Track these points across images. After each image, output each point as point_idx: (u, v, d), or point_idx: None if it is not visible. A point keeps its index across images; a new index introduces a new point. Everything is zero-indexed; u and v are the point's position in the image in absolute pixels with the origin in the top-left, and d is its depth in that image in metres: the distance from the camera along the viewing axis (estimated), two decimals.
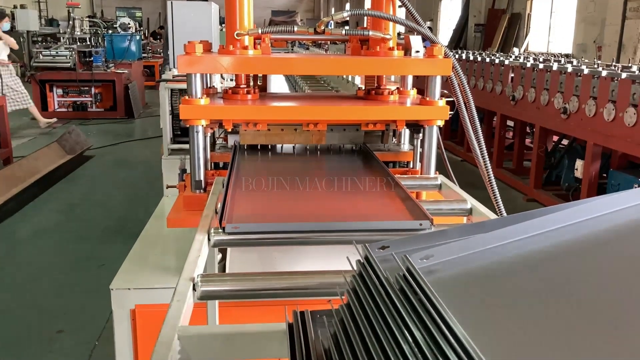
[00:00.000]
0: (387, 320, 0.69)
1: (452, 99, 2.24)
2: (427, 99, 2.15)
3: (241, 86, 2.26)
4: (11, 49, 9.55)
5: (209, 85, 2.46)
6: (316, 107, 2.18)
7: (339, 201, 1.77)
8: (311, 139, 2.35)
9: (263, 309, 2.03)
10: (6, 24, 9.50)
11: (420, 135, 2.26)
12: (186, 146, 3.36)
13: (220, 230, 1.40)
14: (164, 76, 3.89)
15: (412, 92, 2.47)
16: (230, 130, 2.17)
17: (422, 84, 2.30)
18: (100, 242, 5.09)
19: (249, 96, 2.23)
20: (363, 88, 2.57)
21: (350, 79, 3.90)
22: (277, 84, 4.79)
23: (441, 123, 2.17)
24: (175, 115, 3.59)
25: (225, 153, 2.44)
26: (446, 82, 2.32)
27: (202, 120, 2.03)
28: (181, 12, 3.60)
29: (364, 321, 0.73)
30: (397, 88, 2.49)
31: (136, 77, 12.72)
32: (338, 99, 2.43)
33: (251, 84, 2.47)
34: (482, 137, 2.26)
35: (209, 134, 2.31)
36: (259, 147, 2.46)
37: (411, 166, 2.47)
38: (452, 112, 2.26)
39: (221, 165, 2.50)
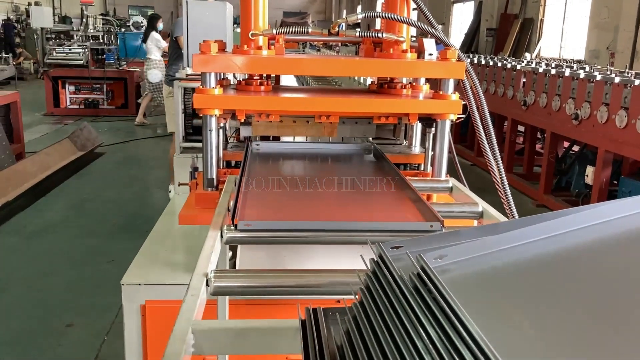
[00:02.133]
0: (402, 318, 0.70)
1: (464, 103, 2.24)
2: (441, 93, 2.16)
3: (254, 78, 2.28)
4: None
5: (222, 77, 2.49)
6: (328, 98, 2.20)
7: (349, 201, 1.78)
8: (323, 131, 2.37)
9: (272, 308, 2.04)
10: (160, 25, 9.55)
11: (433, 130, 2.27)
12: (198, 145, 3.39)
13: (232, 227, 1.42)
14: (177, 75, 3.92)
15: (425, 87, 2.49)
16: (242, 121, 2.19)
17: (435, 87, 2.31)
18: (110, 238, 5.13)
19: (262, 88, 2.25)
20: (375, 82, 2.59)
21: (362, 80, 3.93)
22: (289, 84, 4.83)
23: (454, 117, 2.18)
24: (187, 114, 3.62)
25: (237, 152, 2.46)
26: (458, 86, 2.32)
27: (215, 109, 2.05)
28: (196, 10, 3.63)
29: (378, 319, 0.74)
30: (410, 83, 2.51)
31: None
32: (350, 92, 2.45)
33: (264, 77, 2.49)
34: (494, 139, 2.26)
35: (221, 133, 2.33)
36: (270, 139, 2.48)
37: (422, 169, 2.49)
38: (463, 116, 2.27)
39: (233, 164, 2.52)
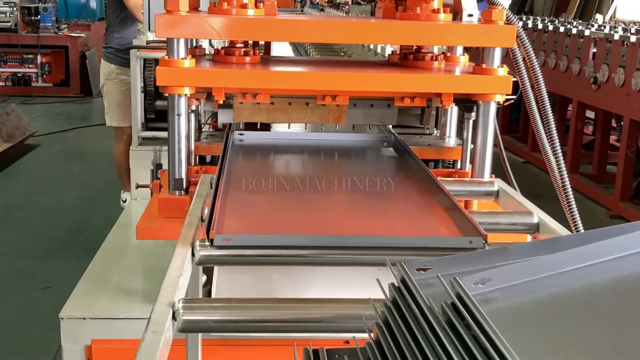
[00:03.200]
0: None
1: (514, 80, 2.25)
2: (484, 66, 2.17)
3: (237, 45, 2.28)
4: None
5: (195, 45, 2.50)
6: (335, 73, 2.20)
7: (362, 209, 1.78)
8: (327, 117, 2.38)
9: (260, 349, 2.05)
10: None
11: (473, 115, 2.27)
12: (162, 134, 3.40)
13: (207, 243, 1.43)
14: (135, 42, 3.94)
15: (463, 59, 2.49)
16: (221, 102, 2.20)
17: (475, 59, 2.31)
18: (46, 257, 5.14)
19: (247, 59, 2.25)
20: (397, 52, 2.60)
21: (379, 50, 3.93)
22: (282, 52, 4.84)
23: (501, 99, 2.19)
24: (148, 93, 3.63)
25: (215, 143, 2.47)
26: (506, 57, 2.33)
27: (185, 87, 2.05)
28: None
29: None
30: (443, 53, 2.51)
31: (96, 43, 12.82)
32: (364, 65, 2.46)
33: (250, 45, 2.50)
34: (554, 130, 2.26)
35: (193, 119, 2.34)
36: (258, 127, 2.50)
37: (458, 167, 2.49)
38: (514, 97, 2.27)
39: (208, 159, 2.53)
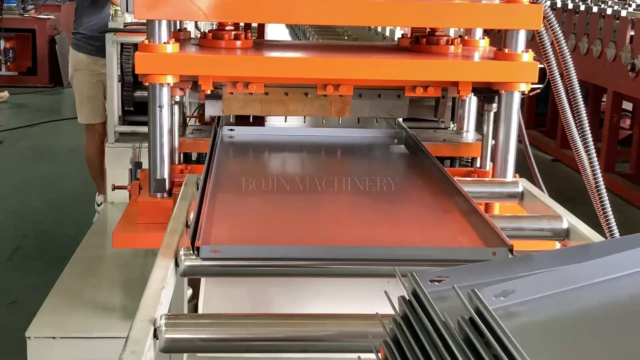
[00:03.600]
0: None
1: (541, 67, 2.25)
2: (506, 51, 2.17)
3: (227, 28, 2.29)
4: None
5: (179, 28, 2.50)
6: (338, 59, 2.20)
7: (369, 215, 1.78)
8: (329, 108, 2.38)
9: None
10: None
11: (494, 107, 2.28)
12: (142, 128, 3.40)
13: (193, 252, 1.43)
14: (111, 24, 3.94)
15: (483, 43, 2.49)
16: (209, 92, 2.21)
17: (497, 43, 2.31)
18: (10, 269, 5.14)
19: (238, 43, 2.25)
20: (408, 35, 2.60)
21: (388, 33, 3.93)
22: (277, 35, 4.83)
23: (526, 88, 2.19)
24: (126, 83, 3.64)
25: (201, 139, 2.48)
26: (532, 41, 2.33)
27: (167, 76, 2.06)
28: None
29: None
30: (460, 36, 2.51)
31: (68, 26, 12.82)
32: (371, 50, 2.46)
33: (241, 27, 2.50)
34: (587, 124, 2.27)
35: (177, 111, 2.34)
36: (250, 120, 2.50)
37: (478, 165, 2.49)
38: (541, 87, 2.27)
39: (194, 157, 2.53)
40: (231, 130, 2.47)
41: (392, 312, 0.86)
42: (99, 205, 5.30)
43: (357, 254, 1.46)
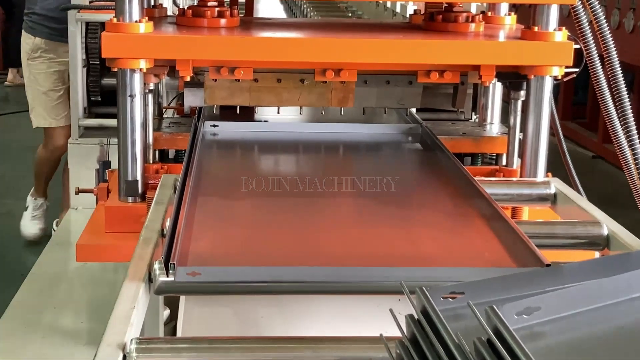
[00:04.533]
0: None
1: (577, 47, 2.25)
2: (536, 29, 2.17)
3: (209, 4, 2.29)
4: None
5: (153, 4, 2.50)
6: (340, 40, 2.20)
7: (376, 228, 1.78)
8: (329, 97, 2.38)
9: None
10: None
11: (522, 94, 2.28)
12: (111, 122, 3.41)
13: (169, 267, 1.43)
14: (74, 0, 3.94)
15: (509, 20, 2.49)
16: (188, 79, 2.21)
17: (525, 20, 2.32)
18: None
19: (223, 21, 2.26)
20: (421, 11, 2.60)
21: (398, 9, 3.93)
22: (269, 13, 4.82)
23: (560, 73, 2.19)
24: (92, 67, 3.64)
25: (179, 134, 2.47)
26: (567, 18, 2.33)
27: (140, 60, 2.06)
28: None
29: None
30: (483, 12, 2.51)
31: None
32: (378, 29, 2.46)
33: (226, 3, 2.49)
34: (631, 116, 2.27)
35: (151, 101, 2.35)
36: (237, 112, 2.50)
37: (503, 163, 2.50)
38: (577, 70, 2.28)
39: (172, 155, 2.53)
40: (214, 126, 2.45)
41: (398, 333, 0.87)
42: (55, 224, 5.20)
43: (363, 277, 1.46)
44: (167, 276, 1.41)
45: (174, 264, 1.39)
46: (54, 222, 4.96)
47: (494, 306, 0.75)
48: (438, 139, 2.36)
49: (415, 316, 0.83)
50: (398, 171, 2.28)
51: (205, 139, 2.37)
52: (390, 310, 0.88)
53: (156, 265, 1.44)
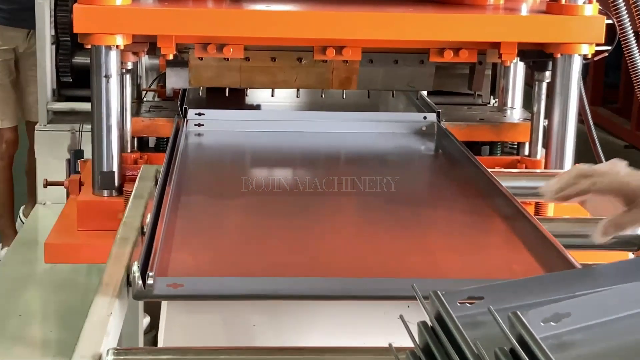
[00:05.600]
0: None
1: (609, 22, 2.25)
2: (563, 2, 2.17)
3: None
4: None
5: None
6: (342, 14, 2.19)
7: (385, 233, 1.77)
8: (330, 79, 2.38)
9: None
10: None
11: (547, 76, 2.28)
12: (84, 105, 3.39)
13: (142, 283, 1.43)
14: None
15: None
16: (171, 58, 2.20)
17: None
18: None
19: None
20: None
21: None
22: None
23: (589, 51, 2.19)
24: (62, 44, 3.62)
25: (161, 119, 2.47)
26: None
27: (116, 36, 2.06)
28: None
29: None
30: None
31: None
32: (385, 2, 2.44)
33: None
34: None
35: (129, 82, 2.34)
36: (226, 94, 2.48)
37: (526, 153, 2.50)
38: (609, 48, 2.27)
39: (152, 143, 2.52)
40: (198, 119, 2.39)
41: (410, 343, 0.87)
42: (20, 217, 5.14)
43: (370, 289, 1.46)
44: (144, 288, 1.40)
45: (151, 274, 1.38)
46: (20, 211, 4.93)
47: (518, 312, 0.74)
48: (450, 133, 2.33)
49: (429, 323, 0.83)
50: (405, 166, 2.27)
51: (190, 127, 2.35)
52: (401, 317, 0.88)
53: (135, 268, 1.44)
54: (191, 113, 2.41)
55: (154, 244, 1.48)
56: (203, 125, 2.39)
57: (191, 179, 1.92)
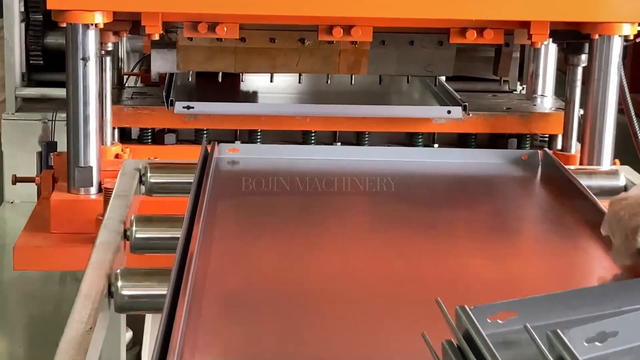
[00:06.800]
0: None
1: None
2: None
3: None
4: None
5: None
6: None
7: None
8: (337, 62, 2.36)
9: None
10: None
11: (583, 59, 2.27)
12: (58, 91, 3.39)
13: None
14: None
15: None
16: (157, 38, 2.19)
17: None
18: None
19: None
20: None
21: None
22: None
23: (631, 31, 2.18)
24: (33, 23, 3.62)
25: (145, 107, 2.46)
26: None
27: (95, 13, 2.04)
28: None
29: None
30: None
31: None
32: None
33: None
34: None
35: (109, 66, 2.34)
36: (219, 79, 2.48)
37: (559, 146, 2.48)
38: None
39: (135, 135, 2.52)
40: (189, 107, 2.37)
41: None
42: None
43: None
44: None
45: None
46: None
47: (558, 330, 0.74)
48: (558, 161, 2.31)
49: (455, 342, 0.82)
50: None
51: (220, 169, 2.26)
52: (423, 335, 0.88)
53: (117, 274, 1.44)
54: (178, 106, 2.39)
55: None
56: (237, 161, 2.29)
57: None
